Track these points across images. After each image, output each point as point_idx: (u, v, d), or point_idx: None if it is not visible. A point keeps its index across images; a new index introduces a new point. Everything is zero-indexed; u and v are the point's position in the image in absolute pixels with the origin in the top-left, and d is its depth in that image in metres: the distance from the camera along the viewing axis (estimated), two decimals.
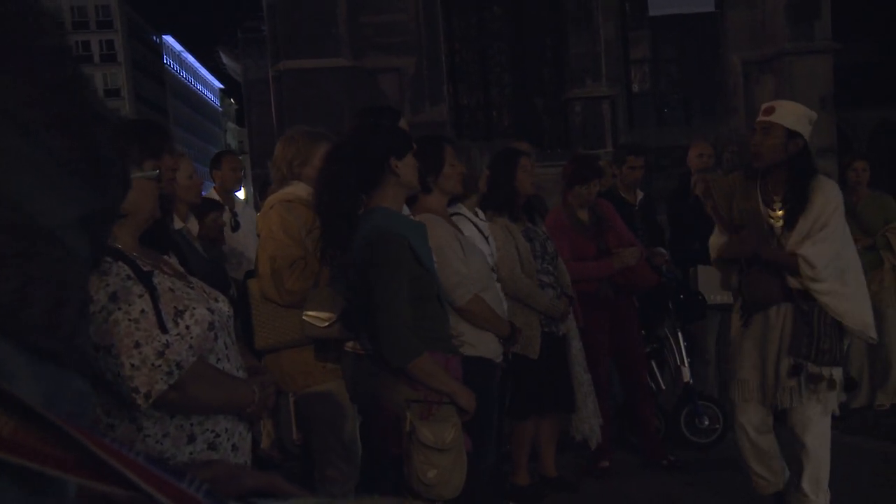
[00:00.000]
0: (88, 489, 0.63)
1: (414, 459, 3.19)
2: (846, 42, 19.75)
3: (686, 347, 6.11)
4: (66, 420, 0.62)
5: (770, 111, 4.19)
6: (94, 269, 0.76)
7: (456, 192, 4.27)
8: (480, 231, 4.63)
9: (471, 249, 4.20)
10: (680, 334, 6.13)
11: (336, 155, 3.44)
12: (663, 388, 6.38)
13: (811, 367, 4.14)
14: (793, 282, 4.17)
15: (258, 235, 4.28)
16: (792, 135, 4.14)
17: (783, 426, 4.45)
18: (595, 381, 5.44)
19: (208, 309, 2.35)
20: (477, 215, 4.76)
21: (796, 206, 4.17)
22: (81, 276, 0.73)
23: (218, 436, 2.36)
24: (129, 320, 2.16)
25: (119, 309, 2.16)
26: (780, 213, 4.24)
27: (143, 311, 2.18)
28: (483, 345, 4.22)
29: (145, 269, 2.27)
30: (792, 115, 4.20)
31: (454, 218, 4.40)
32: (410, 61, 18.68)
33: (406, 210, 3.76)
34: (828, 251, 4.13)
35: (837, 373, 4.22)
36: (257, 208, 6.59)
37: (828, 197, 4.17)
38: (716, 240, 4.55)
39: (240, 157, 8.35)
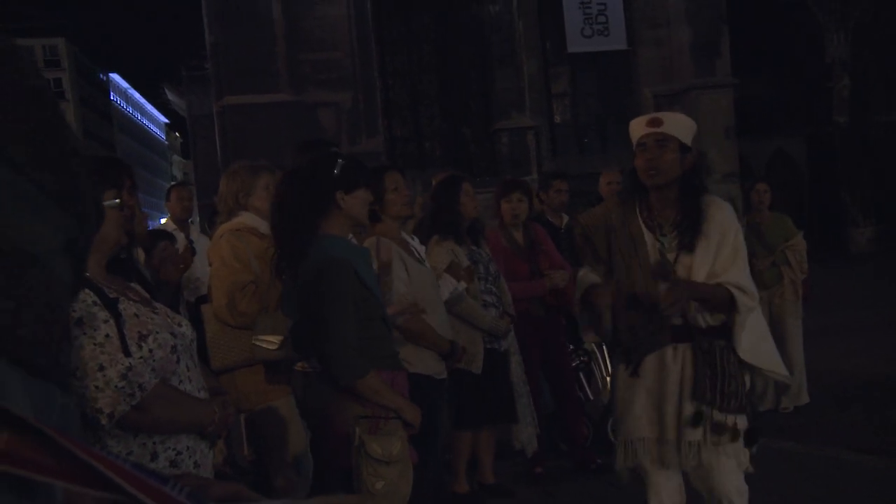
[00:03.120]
0: (77, 494, 0.65)
1: (363, 472, 3.17)
2: (744, 78, 20.42)
3: (611, 360, 6.16)
4: (57, 431, 0.63)
5: (658, 122, 3.44)
6: (74, 292, 0.77)
7: (404, 215, 4.31)
8: (417, 255, 4.65)
9: (416, 272, 4.21)
10: (605, 349, 6.19)
11: (289, 179, 3.43)
12: (591, 398, 6.45)
13: (716, 415, 3.36)
14: (698, 319, 3.42)
15: (210, 264, 4.28)
16: (684, 149, 3.46)
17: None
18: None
19: (171, 333, 2.35)
20: (414, 239, 4.77)
21: (693, 227, 3.42)
22: (65, 299, 0.74)
23: (180, 453, 2.35)
24: (94, 344, 2.14)
25: (84, 334, 2.14)
26: (673, 235, 3.48)
27: (107, 335, 2.17)
28: (422, 362, 4.22)
29: (111, 295, 2.25)
30: (683, 127, 3.51)
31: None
32: (347, 96, 18.72)
33: (351, 236, 3.76)
34: (748, 276, 3.47)
35: (742, 421, 3.43)
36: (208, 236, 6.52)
37: (728, 217, 3.50)
38: (588, 276, 3.66)
39: (190, 187, 8.25)
